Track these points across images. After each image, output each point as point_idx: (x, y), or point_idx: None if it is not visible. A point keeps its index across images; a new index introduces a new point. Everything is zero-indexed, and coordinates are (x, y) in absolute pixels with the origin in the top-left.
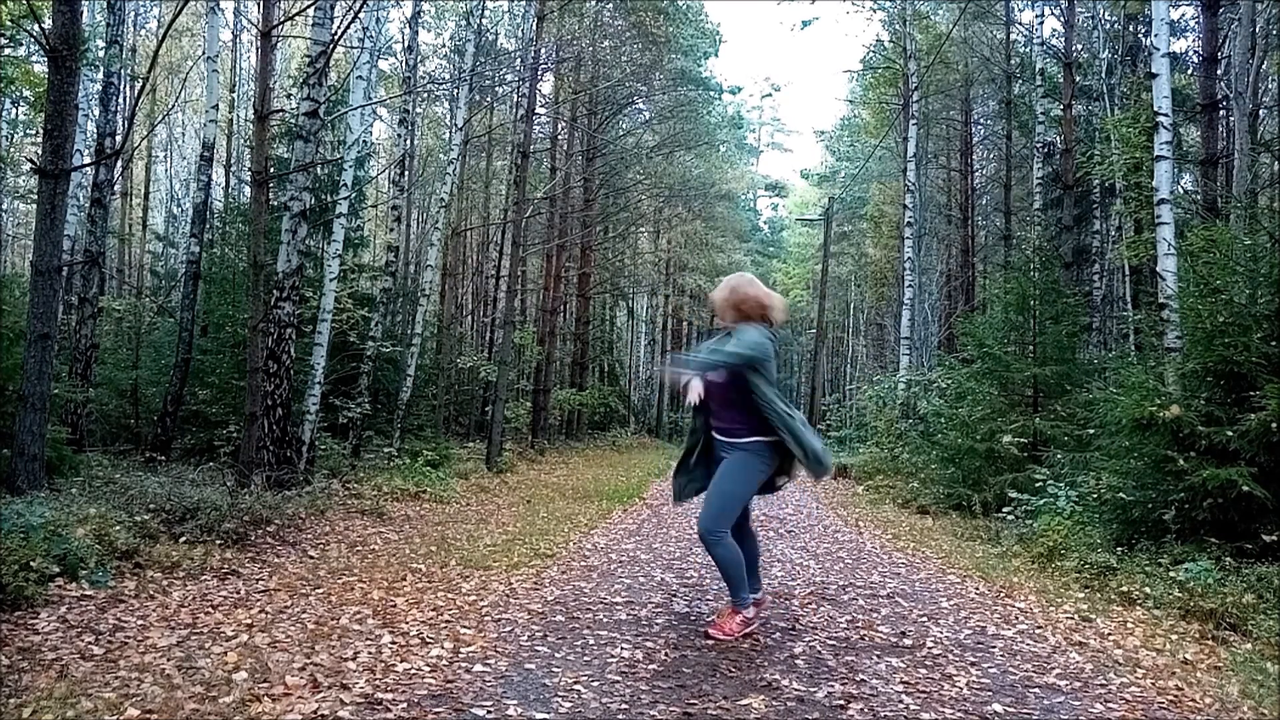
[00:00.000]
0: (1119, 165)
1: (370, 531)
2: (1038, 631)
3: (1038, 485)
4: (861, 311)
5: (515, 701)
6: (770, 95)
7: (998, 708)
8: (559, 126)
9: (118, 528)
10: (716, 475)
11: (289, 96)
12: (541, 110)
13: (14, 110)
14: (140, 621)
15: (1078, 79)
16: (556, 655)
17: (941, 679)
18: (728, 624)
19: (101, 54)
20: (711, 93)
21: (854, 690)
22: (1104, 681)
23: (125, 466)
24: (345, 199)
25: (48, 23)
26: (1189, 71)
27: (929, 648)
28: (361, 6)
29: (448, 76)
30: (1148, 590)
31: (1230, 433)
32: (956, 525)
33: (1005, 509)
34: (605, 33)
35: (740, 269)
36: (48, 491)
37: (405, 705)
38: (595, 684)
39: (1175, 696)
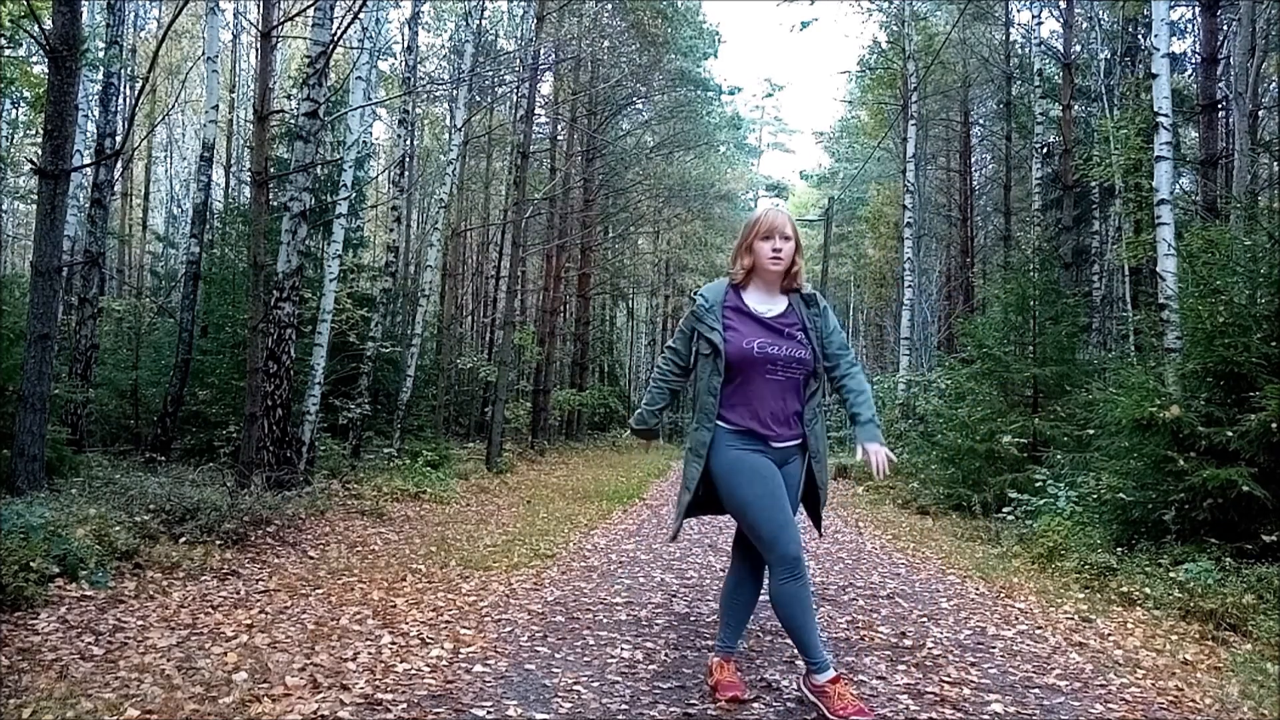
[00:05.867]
0: (1117, 166)
1: (370, 532)
2: (1038, 632)
3: (1038, 485)
4: (861, 312)
5: (515, 702)
6: (771, 95)
7: (998, 708)
8: (559, 127)
9: (118, 528)
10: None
11: (289, 97)
12: (541, 111)
13: (14, 110)
14: (140, 622)
15: (1076, 80)
16: (556, 656)
17: (941, 679)
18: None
19: (101, 54)
20: (711, 93)
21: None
22: (1104, 682)
23: (125, 467)
24: (345, 199)
25: (48, 23)
26: (1188, 72)
27: (929, 648)
28: (361, 7)
29: (447, 77)
30: (1148, 591)
31: (1230, 433)
32: (956, 526)
33: (1005, 509)
34: (604, 33)
35: None
36: (48, 492)
37: (405, 706)
38: (595, 684)
39: (1175, 697)
